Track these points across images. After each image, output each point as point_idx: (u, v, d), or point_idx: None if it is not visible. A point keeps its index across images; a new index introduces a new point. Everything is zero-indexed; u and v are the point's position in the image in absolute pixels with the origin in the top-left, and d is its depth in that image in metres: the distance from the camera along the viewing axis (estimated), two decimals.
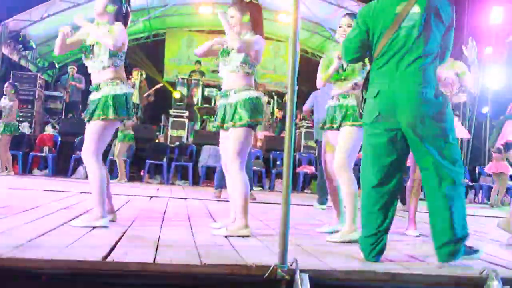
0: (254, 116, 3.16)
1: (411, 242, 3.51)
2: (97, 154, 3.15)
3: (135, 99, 11.90)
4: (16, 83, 9.06)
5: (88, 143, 3.16)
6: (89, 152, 3.14)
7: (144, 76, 12.21)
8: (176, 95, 11.86)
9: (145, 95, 12.29)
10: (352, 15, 3.51)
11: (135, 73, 11.88)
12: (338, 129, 3.40)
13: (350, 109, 3.33)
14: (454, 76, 3.72)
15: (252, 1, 3.33)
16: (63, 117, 11.58)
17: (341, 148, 3.31)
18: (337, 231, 3.58)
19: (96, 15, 3.24)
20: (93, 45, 3.20)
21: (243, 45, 3.13)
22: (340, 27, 3.46)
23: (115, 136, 8.94)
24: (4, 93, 8.61)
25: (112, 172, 9.17)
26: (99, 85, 3.19)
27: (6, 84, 8.72)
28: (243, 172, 3.19)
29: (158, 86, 12.56)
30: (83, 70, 11.95)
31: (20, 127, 9.04)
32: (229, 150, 3.22)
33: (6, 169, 8.51)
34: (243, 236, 3.08)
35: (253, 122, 3.17)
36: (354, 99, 3.33)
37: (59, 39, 3.26)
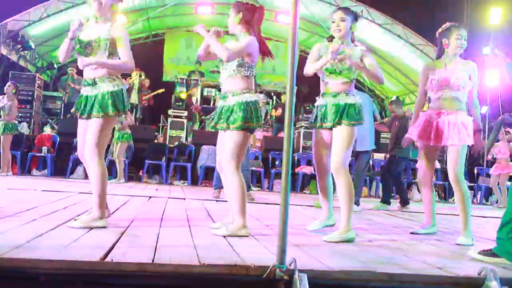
0: (250, 120, 3.17)
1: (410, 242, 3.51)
2: (100, 152, 3.11)
3: (134, 99, 11.91)
4: (17, 83, 9.09)
5: (91, 141, 3.10)
6: (92, 151, 3.09)
7: (143, 76, 12.21)
8: (182, 95, 11.86)
9: (145, 97, 12.29)
10: (345, 9, 3.50)
11: (134, 74, 11.87)
12: (330, 128, 3.40)
13: (344, 107, 3.33)
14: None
15: (247, 2, 3.30)
16: (61, 117, 11.58)
17: (338, 148, 3.31)
18: (326, 226, 3.60)
19: (98, 12, 3.15)
20: (89, 42, 3.13)
21: (231, 55, 3.15)
22: (333, 22, 3.44)
23: (112, 135, 8.96)
24: (5, 92, 8.62)
25: (111, 172, 9.17)
26: (94, 80, 3.15)
27: (8, 83, 8.74)
28: (239, 173, 3.20)
29: (159, 91, 12.57)
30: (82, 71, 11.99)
31: (19, 127, 9.04)
32: (224, 151, 3.25)
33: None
34: (241, 236, 3.08)
35: (249, 126, 3.18)
36: (345, 97, 3.35)
37: (65, 44, 3.15)
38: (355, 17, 3.47)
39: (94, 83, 3.15)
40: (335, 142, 3.35)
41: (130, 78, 11.84)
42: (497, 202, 9.74)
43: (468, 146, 3.69)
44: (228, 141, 3.23)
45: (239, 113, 3.16)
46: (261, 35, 3.35)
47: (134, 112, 11.80)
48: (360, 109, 3.37)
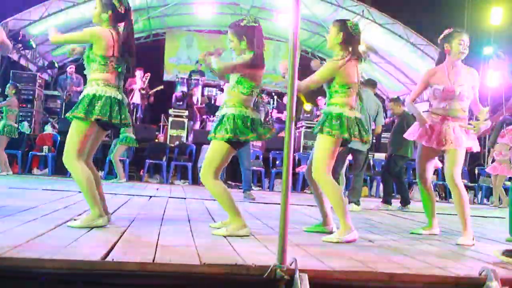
0: (232, 133, 3.13)
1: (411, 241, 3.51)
2: (76, 155, 3.09)
3: (136, 99, 11.89)
4: (17, 84, 9.08)
5: (66, 145, 3.14)
6: (67, 155, 3.11)
7: (148, 76, 12.13)
8: (178, 93, 11.85)
9: (143, 85, 12.22)
10: (335, 21, 3.49)
11: (138, 73, 11.83)
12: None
13: (328, 116, 3.32)
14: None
15: (246, 25, 3.25)
16: (63, 116, 11.57)
17: (316, 157, 3.34)
18: (323, 232, 3.58)
19: (95, 23, 3.24)
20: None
21: (221, 72, 3.22)
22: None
23: (115, 137, 8.95)
24: (6, 93, 8.61)
25: (112, 172, 9.16)
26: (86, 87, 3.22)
27: (8, 85, 8.75)
28: (217, 180, 3.20)
29: (158, 88, 12.55)
30: (80, 69, 11.94)
31: (18, 128, 9.00)
32: (205, 159, 3.25)
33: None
34: (242, 236, 3.08)
35: (230, 138, 3.14)
36: (333, 107, 3.33)
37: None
38: (342, 26, 3.37)
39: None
40: (314, 150, 3.38)
41: (134, 78, 11.81)
42: (500, 202, 9.73)
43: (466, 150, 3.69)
44: (209, 149, 3.25)
45: (225, 124, 3.16)
46: (263, 51, 3.31)
47: (134, 112, 11.80)
48: (335, 120, 3.29)
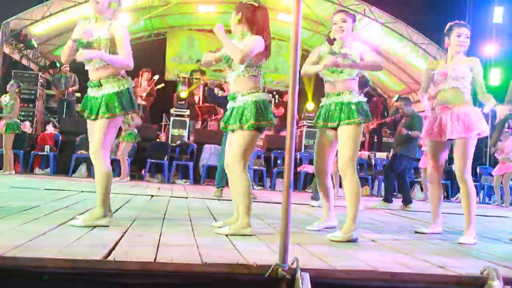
0: (261, 119, 3.18)
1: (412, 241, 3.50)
2: (105, 152, 3.14)
3: (138, 99, 11.86)
4: (21, 83, 9.09)
5: (96, 141, 3.14)
6: (98, 150, 3.12)
7: (155, 77, 12.07)
8: (183, 94, 11.79)
9: (144, 93, 12.21)
10: (345, 11, 3.57)
11: (145, 74, 11.80)
12: (335, 128, 3.41)
13: (348, 106, 3.34)
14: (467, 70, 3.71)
15: (247, 3, 3.34)
16: (64, 116, 11.58)
17: (344, 147, 3.32)
18: (327, 228, 3.59)
19: (97, 11, 3.19)
20: (88, 42, 3.15)
21: (244, 57, 3.14)
22: (334, 23, 3.48)
23: (118, 134, 8.93)
24: (7, 91, 8.62)
25: (114, 171, 9.17)
26: (99, 81, 3.17)
27: (11, 82, 8.76)
28: (246, 173, 3.22)
29: (159, 86, 12.53)
30: (74, 69, 11.84)
31: (21, 126, 9.02)
32: (234, 151, 3.25)
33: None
34: (244, 235, 3.08)
35: (260, 125, 3.19)
36: (349, 95, 3.36)
37: (68, 47, 3.22)
38: (355, 18, 3.54)
39: (99, 85, 3.17)
40: (340, 141, 3.36)
41: (138, 79, 11.78)
42: (502, 202, 9.71)
43: (479, 139, 3.72)
44: (237, 141, 3.24)
45: (250, 113, 3.16)
46: (269, 36, 3.35)
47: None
48: (365, 107, 3.39)
